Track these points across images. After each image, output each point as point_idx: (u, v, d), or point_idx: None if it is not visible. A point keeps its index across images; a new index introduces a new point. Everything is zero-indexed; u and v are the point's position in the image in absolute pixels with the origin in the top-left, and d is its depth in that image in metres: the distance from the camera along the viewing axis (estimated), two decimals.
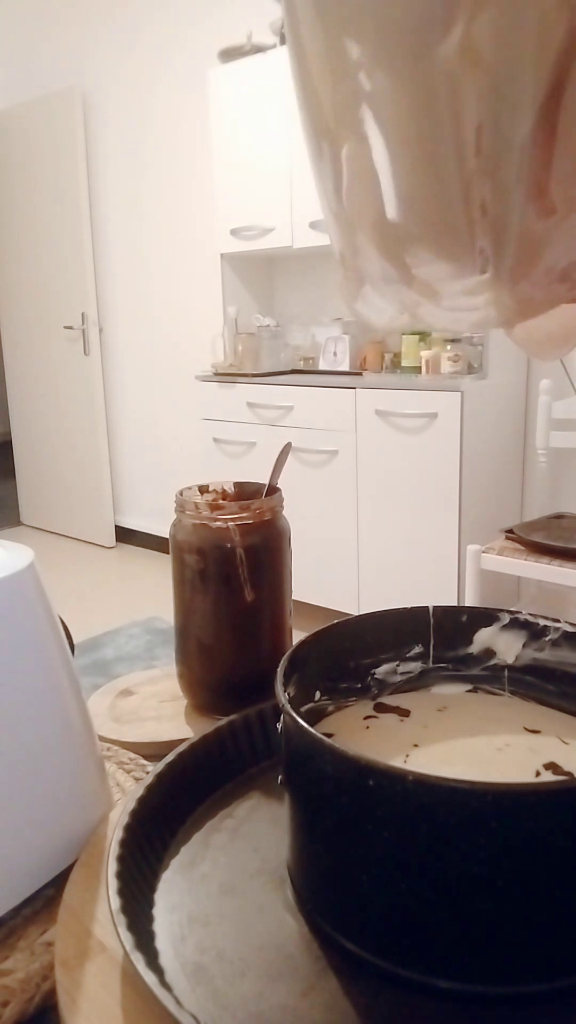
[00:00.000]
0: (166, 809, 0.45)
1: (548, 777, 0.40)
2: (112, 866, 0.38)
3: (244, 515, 0.57)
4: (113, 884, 0.37)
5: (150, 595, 3.24)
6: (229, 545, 0.56)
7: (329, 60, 0.27)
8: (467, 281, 0.29)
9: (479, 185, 0.26)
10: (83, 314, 3.74)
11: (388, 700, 0.49)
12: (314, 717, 0.46)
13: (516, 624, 0.49)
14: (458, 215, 0.27)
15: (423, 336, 2.54)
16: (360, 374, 2.64)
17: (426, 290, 0.31)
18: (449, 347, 2.44)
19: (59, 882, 0.43)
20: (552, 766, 0.41)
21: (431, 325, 0.35)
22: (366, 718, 0.47)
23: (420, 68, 0.24)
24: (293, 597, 0.62)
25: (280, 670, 0.40)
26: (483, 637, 0.49)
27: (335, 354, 2.82)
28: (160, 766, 0.46)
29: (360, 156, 0.28)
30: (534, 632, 0.48)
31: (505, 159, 0.25)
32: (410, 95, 0.25)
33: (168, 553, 0.60)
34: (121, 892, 0.37)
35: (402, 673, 0.50)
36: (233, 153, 2.81)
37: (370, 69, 0.26)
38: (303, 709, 0.45)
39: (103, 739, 0.58)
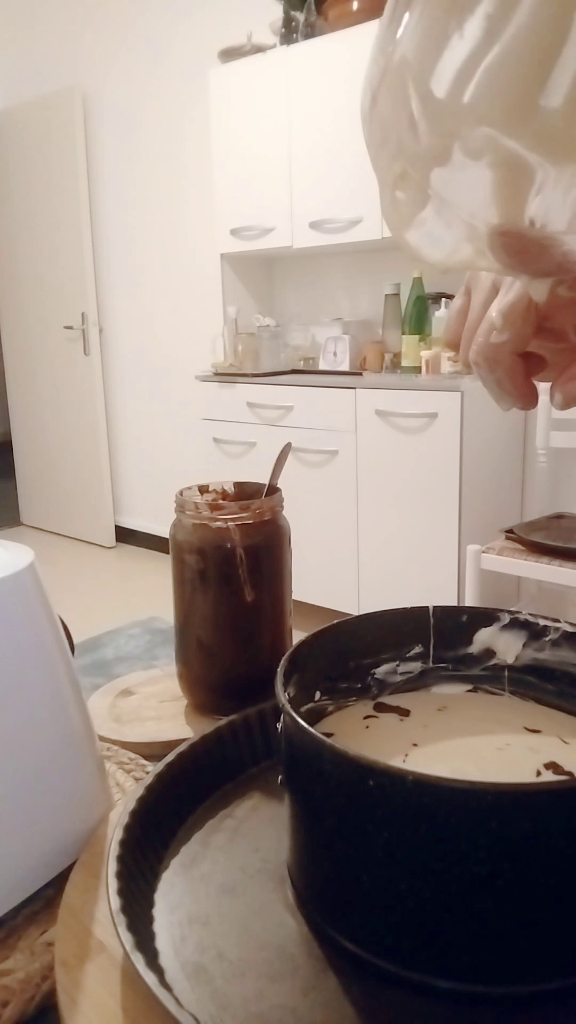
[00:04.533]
0: (166, 809, 0.45)
1: (548, 777, 0.40)
2: (112, 866, 0.38)
3: (244, 515, 0.57)
4: (113, 884, 0.37)
5: (150, 595, 3.24)
6: (229, 545, 0.56)
7: None
8: None
9: None
10: (83, 314, 3.74)
11: (388, 700, 0.49)
12: (314, 717, 0.46)
13: (516, 624, 0.49)
14: None
15: (423, 336, 2.54)
16: (360, 374, 2.64)
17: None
18: None
19: (59, 882, 0.43)
20: (552, 766, 0.41)
21: (492, 263, 0.29)
22: (366, 718, 0.47)
23: None
24: (293, 597, 0.62)
25: (280, 670, 0.40)
26: (483, 637, 0.49)
27: (335, 354, 2.82)
28: (160, 766, 0.46)
29: (546, 8, 0.22)
30: (534, 632, 0.48)
31: None
32: None
33: (168, 553, 0.60)
34: (121, 892, 0.37)
35: (402, 673, 0.50)
36: (233, 153, 2.81)
37: None
38: (303, 709, 0.45)
39: (103, 739, 0.58)
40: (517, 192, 0.26)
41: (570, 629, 0.47)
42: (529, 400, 0.39)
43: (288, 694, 0.39)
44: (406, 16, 0.25)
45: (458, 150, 0.26)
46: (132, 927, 0.35)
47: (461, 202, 0.28)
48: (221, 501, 0.62)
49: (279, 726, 0.39)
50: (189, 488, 0.62)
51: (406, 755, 0.42)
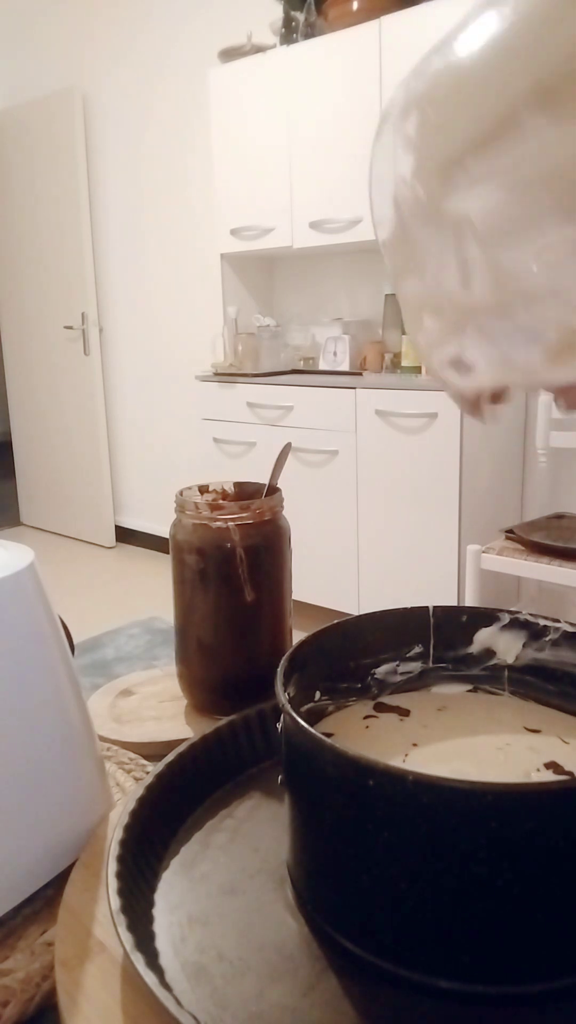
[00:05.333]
0: (166, 809, 0.45)
1: (548, 777, 0.40)
2: (112, 866, 0.38)
3: (244, 515, 0.57)
4: (113, 884, 0.37)
5: (150, 595, 3.24)
6: (229, 545, 0.56)
7: None
8: None
9: None
10: (83, 314, 3.74)
11: (388, 700, 0.49)
12: (314, 717, 0.46)
13: (516, 624, 0.49)
14: None
15: None
16: (360, 374, 2.64)
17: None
18: None
19: (59, 882, 0.43)
20: (552, 766, 0.41)
21: (521, 384, 0.29)
22: (366, 718, 0.47)
23: None
24: (293, 597, 0.62)
25: (280, 670, 0.40)
26: (483, 637, 0.49)
27: (335, 354, 2.82)
28: (160, 766, 0.46)
29: None
30: (534, 632, 0.48)
31: None
32: None
33: (168, 553, 0.60)
34: (121, 892, 0.37)
35: (402, 673, 0.50)
36: (233, 153, 2.81)
37: None
38: (303, 709, 0.45)
39: (103, 739, 0.58)
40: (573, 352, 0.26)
41: (570, 629, 0.47)
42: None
43: (288, 694, 0.39)
44: (471, 177, 0.25)
45: (518, 311, 0.25)
46: (132, 927, 0.35)
47: (505, 346, 0.27)
48: (221, 501, 0.62)
49: (279, 726, 0.39)
50: (189, 488, 0.62)
51: (406, 755, 0.42)
